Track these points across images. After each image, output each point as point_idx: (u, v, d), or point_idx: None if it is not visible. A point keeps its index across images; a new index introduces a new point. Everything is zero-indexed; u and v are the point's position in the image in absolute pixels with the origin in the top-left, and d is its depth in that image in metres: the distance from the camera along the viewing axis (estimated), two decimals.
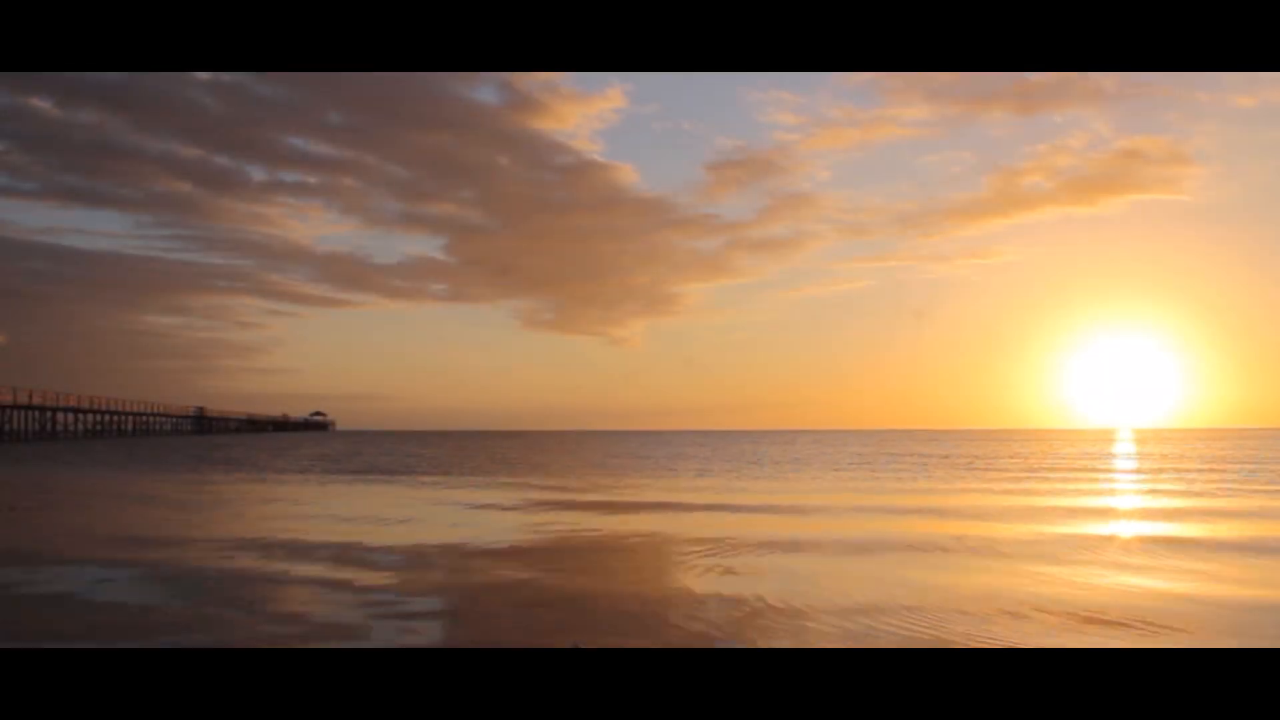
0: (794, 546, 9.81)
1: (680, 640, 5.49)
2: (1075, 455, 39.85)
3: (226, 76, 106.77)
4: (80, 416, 72.44)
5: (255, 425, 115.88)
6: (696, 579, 7.69)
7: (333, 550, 9.44)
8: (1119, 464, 31.86)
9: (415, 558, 9.00)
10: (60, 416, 69.53)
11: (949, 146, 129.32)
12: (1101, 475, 25.12)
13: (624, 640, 5.50)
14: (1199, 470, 26.42)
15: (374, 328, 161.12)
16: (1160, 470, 26.78)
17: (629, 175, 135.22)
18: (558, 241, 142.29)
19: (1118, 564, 8.65)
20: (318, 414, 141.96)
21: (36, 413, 65.69)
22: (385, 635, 5.52)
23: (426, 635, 5.58)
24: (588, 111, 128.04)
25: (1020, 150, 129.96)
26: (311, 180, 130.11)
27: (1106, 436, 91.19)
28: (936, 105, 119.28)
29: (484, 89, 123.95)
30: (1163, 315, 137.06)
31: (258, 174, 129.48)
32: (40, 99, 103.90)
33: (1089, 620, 6.00)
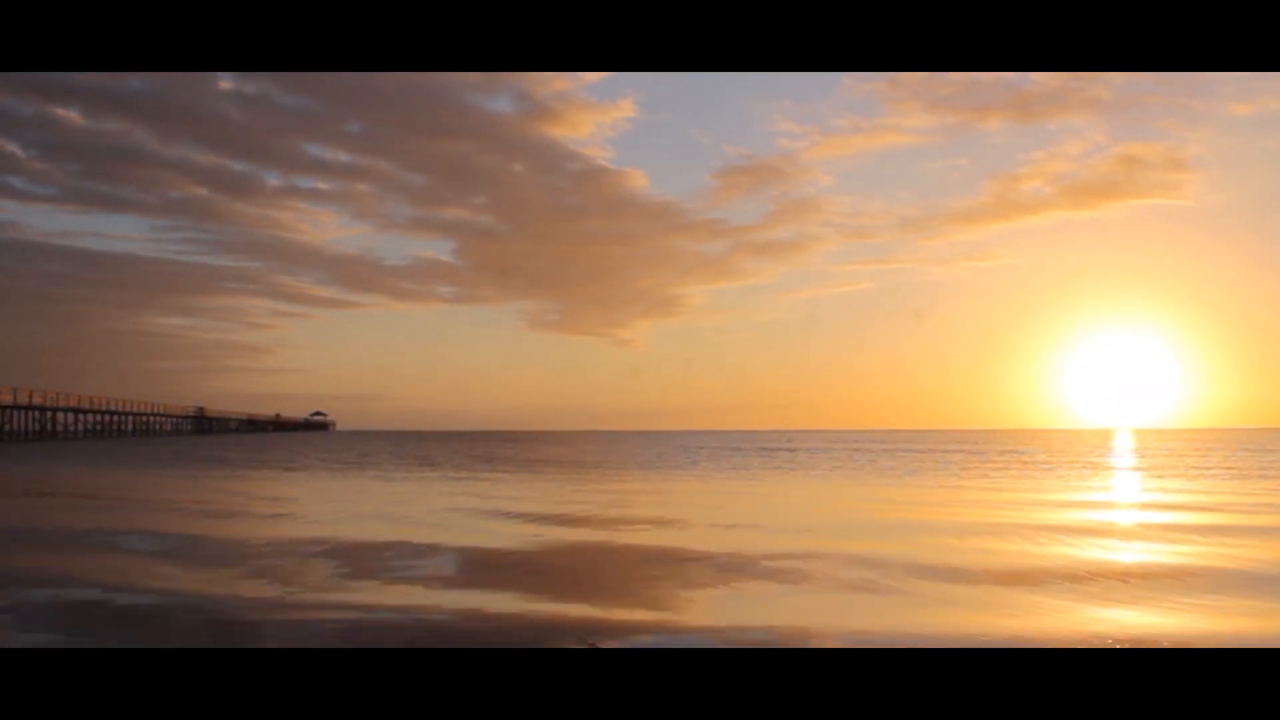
0: None
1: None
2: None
3: (250, 87, 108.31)
4: (80, 416, 72.46)
5: (255, 425, 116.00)
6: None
7: None
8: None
9: None
10: (60, 416, 69.57)
11: (949, 153, 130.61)
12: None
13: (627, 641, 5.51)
14: None
15: (379, 329, 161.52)
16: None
17: (639, 181, 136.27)
18: (567, 245, 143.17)
19: None
20: (318, 414, 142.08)
21: (36, 413, 65.71)
22: None
23: None
24: (601, 120, 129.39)
25: (1018, 157, 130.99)
26: (326, 186, 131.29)
27: (1107, 437, 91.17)
28: (936, 114, 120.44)
29: (500, 99, 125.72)
30: (1162, 316, 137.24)
31: (274, 180, 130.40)
32: (66, 108, 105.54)
33: None
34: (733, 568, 8.18)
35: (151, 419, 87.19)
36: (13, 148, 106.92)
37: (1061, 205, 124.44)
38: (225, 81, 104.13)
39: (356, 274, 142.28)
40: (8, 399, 61.49)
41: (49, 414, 67.67)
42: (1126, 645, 5.39)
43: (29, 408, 64.58)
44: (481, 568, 8.51)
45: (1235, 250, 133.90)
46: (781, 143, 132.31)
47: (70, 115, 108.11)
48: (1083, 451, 42.83)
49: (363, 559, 8.63)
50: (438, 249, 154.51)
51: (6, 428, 61.43)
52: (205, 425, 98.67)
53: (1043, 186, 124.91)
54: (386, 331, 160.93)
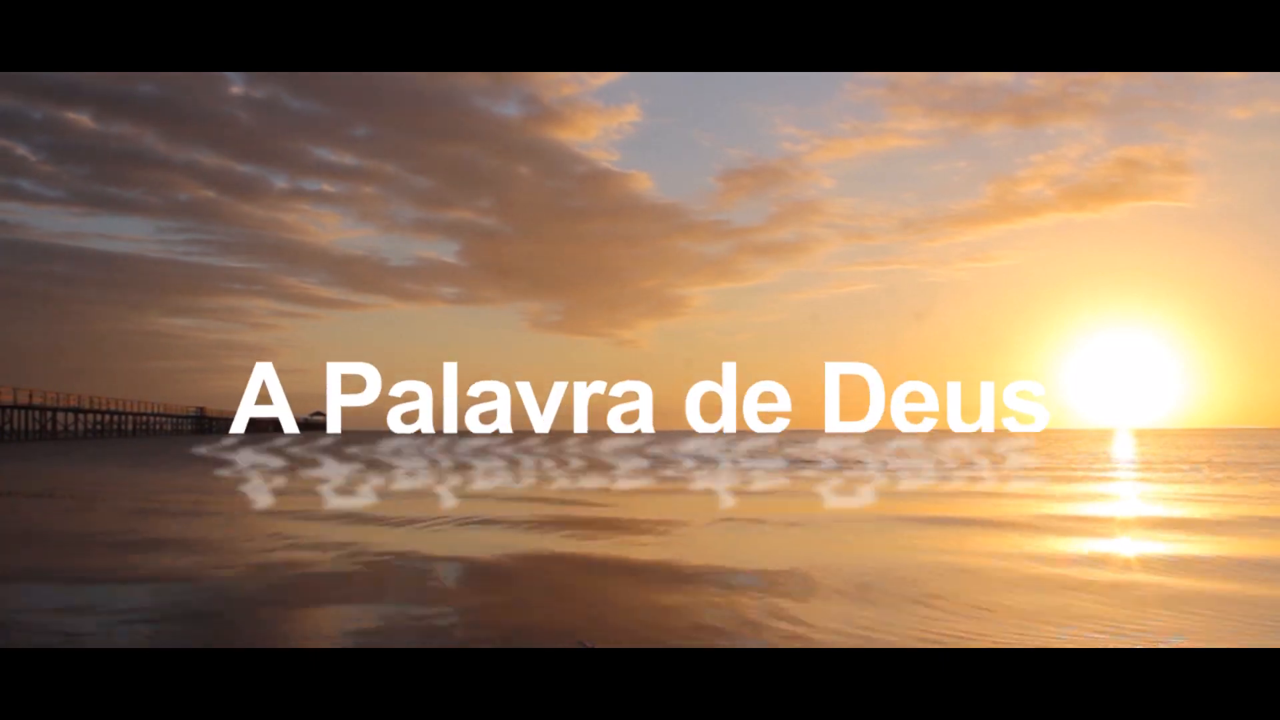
0: None
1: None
2: None
3: (258, 91, 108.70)
4: (80, 416, 72.44)
5: (254, 425, 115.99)
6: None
7: None
8: None
9: None
10: (60, 416, 69.56)
11: (949, 156, 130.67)
12: None
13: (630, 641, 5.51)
14: None
15: (382, 329, 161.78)
16: None
17: (644, 183, 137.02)
18: (571, 246, 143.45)
19: None
20: (317, 414, 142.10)
21: (36, 412, 65.69)
22: None
23: None
24: (606, 124, 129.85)
25: (1018, 160, 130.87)
26: (333, 188, 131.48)
27: (1109, 436, 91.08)
28: (936, 118, 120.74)
29: (507, 103, 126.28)
30: (1163, 317, 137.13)
31: (281, 182, 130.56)
32: (77, 112, 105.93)
33: None
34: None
35: (152, 419, 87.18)
36: (23, 151, 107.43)
37: (1061, 207, 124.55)
38: (235, 86, 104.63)
39: (360, 275, 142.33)
40: (8, 399, 61.46)
41: (49, 414, 67.65)
42: (1126, 645, 5.40)
43: (29, 407, 64.54)
44: None
45: (1235, 252, 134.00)
46: (784, 146, 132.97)
47: (80, 119, 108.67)
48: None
49: None
50: (441, 250, 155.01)
51: (7, 428, 61.41)
52: (205, 425, 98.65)
53: (1043, 189, 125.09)
54: (389, 332, 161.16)
